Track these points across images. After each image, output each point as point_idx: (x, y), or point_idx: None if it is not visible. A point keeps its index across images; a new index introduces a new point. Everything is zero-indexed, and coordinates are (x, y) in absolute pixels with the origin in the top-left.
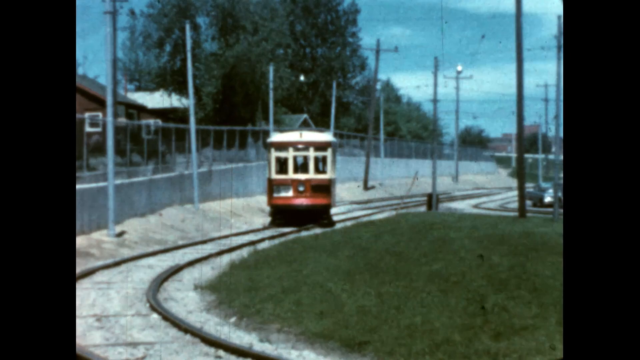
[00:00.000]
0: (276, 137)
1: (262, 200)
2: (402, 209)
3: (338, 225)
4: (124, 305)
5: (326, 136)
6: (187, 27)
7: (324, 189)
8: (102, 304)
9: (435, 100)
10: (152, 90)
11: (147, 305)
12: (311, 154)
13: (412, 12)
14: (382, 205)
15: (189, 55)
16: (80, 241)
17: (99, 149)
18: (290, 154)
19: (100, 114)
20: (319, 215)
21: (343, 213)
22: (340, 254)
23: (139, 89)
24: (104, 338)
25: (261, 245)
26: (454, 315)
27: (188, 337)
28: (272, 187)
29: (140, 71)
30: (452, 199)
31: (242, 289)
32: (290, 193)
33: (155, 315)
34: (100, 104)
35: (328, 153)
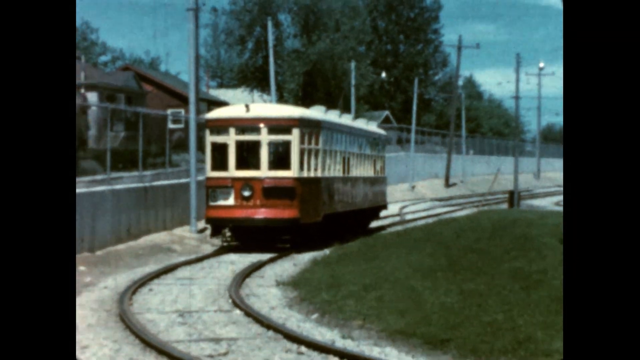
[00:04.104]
0: (213, 113)
1: None
2: (483, 206)
3: (419, 222)
4: (206, 301)
5: (291, 110)
6: (270, 24)
7: (287, 193)
8: (185, 300)
9: (517, 97)
10: (234, 86)
11: (230, 301)
12: (263, 137)
13: (495, 8)
14: (463, 202)
15: (271, 52)
16: (163, 237)
17: (181, 145)
18: (231, 139)
19: (182, 111)
20: (279, 236)
21: (424, 210)
22: (422, 250)
23: (221, 85)
24: (187, 334)
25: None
26: (536, 312)
27: (270, 333)
28: (208, 190)
29: (222, 68)
30: (534, 196)
31: (324, 285)
32: (230, 200)
33: (237, 311)
34: (182, 100)
35: (293, 137)
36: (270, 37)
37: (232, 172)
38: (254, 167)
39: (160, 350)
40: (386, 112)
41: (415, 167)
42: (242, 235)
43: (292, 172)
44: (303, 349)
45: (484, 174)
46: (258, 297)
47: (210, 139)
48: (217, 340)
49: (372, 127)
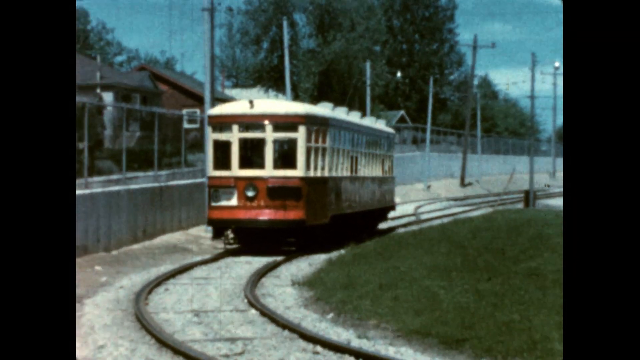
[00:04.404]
0: (216, 109)
1: None
2: (499, 206)
3: (435, 222)
4: (222, 300)
5: (297, 106)
6: (285, 23)
7: (293, 194)
8: (201, 300)
9: (532, 97)
10: (249, 86)
11: (245, 300)
12: (269, 135)
13: (511, 7)
14: (479, 202)
15: (286, 51)
16: (179, 237)
17: (196, 145)
18: (234, 136)
19: (198, 111)
20: (285, 238)
21: (439, 209)
22: (437, 250)
23: (236, 85)
24: (202, 333)
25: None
26: (552, 312)
27: (286, 332)
28: (210, 190)
29: (237, 68)
30: (550, 195)
31: (340, 285)
32: (234, 201)
33: (253, 311)
34: (198, 100)
35: (300, 135)
36: (286, 37)
37: (235, 171)
38: (258, 166)
39: (176, 350)
40: (401, 112)
41: (430, 167)
42: (245, 237)
43: (298, 172)
44: (319, 348)
45: (500, 174)
46: (274, 297)
47: (212, 136)
48: (233, 340)
49: (381, 125)
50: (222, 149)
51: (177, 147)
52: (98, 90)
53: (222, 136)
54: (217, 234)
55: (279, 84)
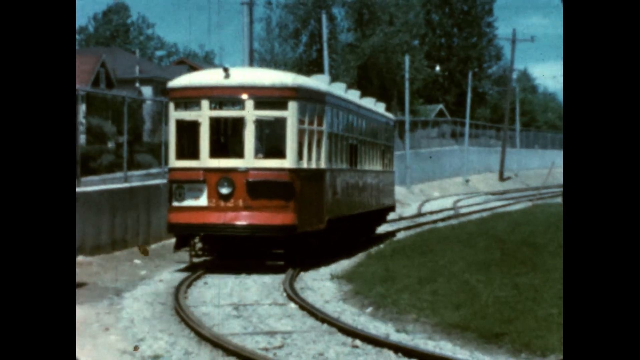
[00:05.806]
0: (179, 80)
1: (398, 192)
2: (538, 200)
3: (474, 216)
4: (261, 294)
5: (286, 77)
6: (324, 17)
7: (281, 191)
8: (240, 293)
9: None
10: None
11: (284, 294)
12: (249, 113)
13: (550, 1)
14: (518, 196)
15: (325, 45)
16: None
17: None
18: (204, 115)
19: None
20: (270, 249)
21: (478, 204)
22: (476, 244)
23: None
24: (241, 327)
25: (396, 236)
26: None
27: (325, 326)
28: (171, 186)
29: (276, 62)
30: None
31: (378, 279)
32: (203, 200)
33: (292, 305)
34: None
35: (290, 113)
36: (325, 31)
37: (205, 161)
38: (236, 155)
39: (215, 344)
40: (440, 106)
41: (469, 161)
42: (218, 248)
43: (288, 162)
44: (358, 342)
45: (539, 168)
46: (312, 291)
47: (174, 115)
48: (272, 334)
49: (380, 109)
50: (187, 132)
51: None
52: (137, 84)
53: (188, 115)
54: (181, 243)
55: None
